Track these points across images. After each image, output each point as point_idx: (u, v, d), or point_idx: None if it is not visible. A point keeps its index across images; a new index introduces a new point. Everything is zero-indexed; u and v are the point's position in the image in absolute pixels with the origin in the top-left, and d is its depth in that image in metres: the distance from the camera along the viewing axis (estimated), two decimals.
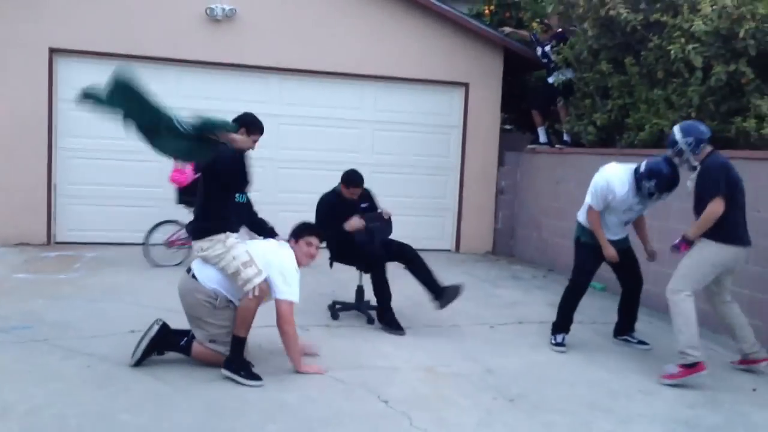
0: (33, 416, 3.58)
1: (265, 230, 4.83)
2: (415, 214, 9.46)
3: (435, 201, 9.71)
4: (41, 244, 8.33)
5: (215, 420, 3.67)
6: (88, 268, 7.26)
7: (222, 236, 4.25)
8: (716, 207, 4.51)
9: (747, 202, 4.75)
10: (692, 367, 4.52)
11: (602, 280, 7.53)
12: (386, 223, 5.77)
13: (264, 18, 8.83)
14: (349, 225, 5.54)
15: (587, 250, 5.29)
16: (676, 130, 4.76)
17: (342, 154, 8.93)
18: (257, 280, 4.17)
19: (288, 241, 4.56)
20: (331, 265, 5.92)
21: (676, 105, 6.98)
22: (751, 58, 6.35)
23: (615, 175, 5.08)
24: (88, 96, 3.99)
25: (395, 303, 5.62)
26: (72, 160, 8.54)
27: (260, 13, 8.82)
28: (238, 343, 4.23)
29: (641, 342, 5.55)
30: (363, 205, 5.85)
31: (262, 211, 6.10)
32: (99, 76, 8.41)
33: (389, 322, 5.47)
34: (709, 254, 4.64)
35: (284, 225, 6.00)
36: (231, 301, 4.33)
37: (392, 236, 5.84)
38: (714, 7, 6.51)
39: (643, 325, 6.10)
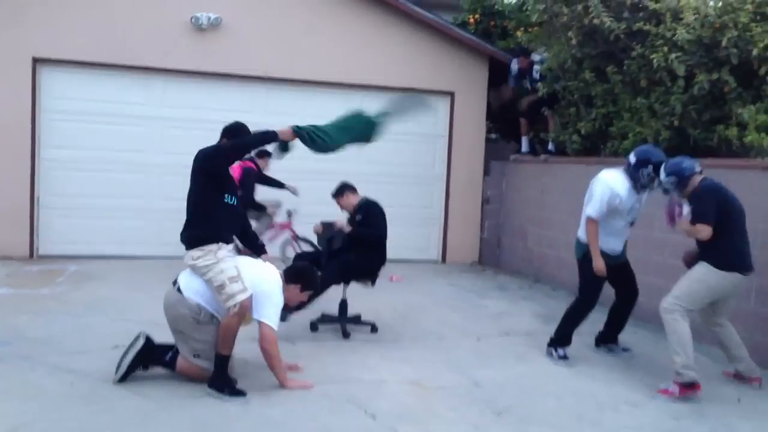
0: None
1: (255, 245, 4.79)
2: (401, 225, 9.42)
3: (421, 211, 9.70)
4: (23, 258, 8.24)
5: None
6: (71, 281, 7.18)
7: (214, 246, 4.21)
8: (701, 231, 4.53)
9: None
10: (689, 386, 4.50)
11: None
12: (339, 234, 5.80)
13: (250, 27, 8.81)
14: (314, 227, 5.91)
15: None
16: (662, 167, 4.78)
17: (328, 164, 8.86)
18: (240, 297, 4.13)
19: (287, 279, 4.47)
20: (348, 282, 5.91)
21: (659, 113, 7.04)
22: (733, 67, 6.42)
23: (614, 180, 5.12)
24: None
25: (381, 315, 5.59)
26: (55, 172, 8.46)
27: (246, 22, 8.81)
28: (221, 361, 4.18)
29: (625, 349, 5.61)
30: (357, 217, 5.85)
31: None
32: (83, 85, 8.52)
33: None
34: (707, 278, 4.59)
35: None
36: (215, 317, 4.30)
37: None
38: (696, 16, 6.58)
39: (628, 335, 6.12)
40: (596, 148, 8.17)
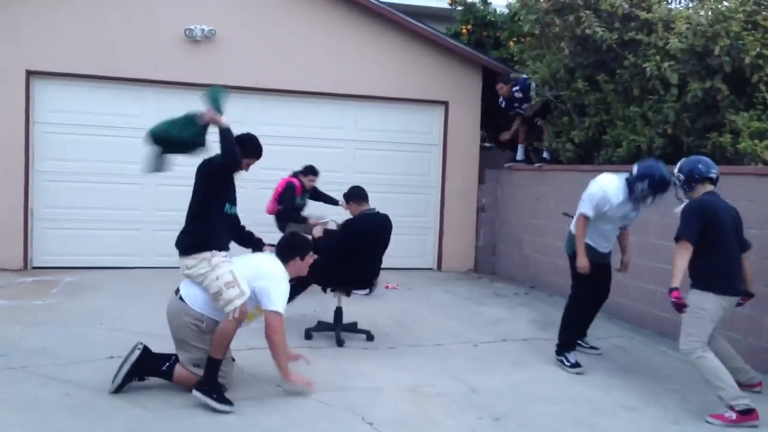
0: None
1: (252, 242, 4.79)
2: (397, 233, 9.35)
3: (416, 219, 9.71)
4: (18, 270, 8.20)
5: None
6: (65, 293, 7.15)
7: (208, 254, 4.20)
8: (680, 250, 4.37)
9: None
10: (747, 414, 4.21)
11: None
12: None
13: (243, 38, 8.84)
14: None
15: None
16: (679, 163, 4.67)
17: (323, 174, 8.90)
18: (238, 302, 4.12)
19: (283, 257, 4.48)
20: (324, 289, 5.92)
21: (653, 121, 7.08)
22: (725, 75, 6.47)
23: (610, 185, 5.13)
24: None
25: (378, 322, 5.58)
26: (49, 184, 8.44)
27: (239, 33, 8.83)
28: (213, 365, 4.14)
29: (593, 347, 5.68)
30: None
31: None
32: (77, 98, 8.51)
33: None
34: (702, 303, 4.41)
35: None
36: (219, 324, 4.28)
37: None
38: (688, 25, 6.63)
39: (624, 340, 6.15)
40: (590, 156, 8.21)
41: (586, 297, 5.34)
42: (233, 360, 4.56)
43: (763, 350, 5.30)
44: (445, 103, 9.71)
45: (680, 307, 4.33)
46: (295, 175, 7.76)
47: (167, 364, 4.32)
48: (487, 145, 10.99)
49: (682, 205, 4.56)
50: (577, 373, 5.13)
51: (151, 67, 8.55)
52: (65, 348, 5.16)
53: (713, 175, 4.54)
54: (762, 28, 6.47)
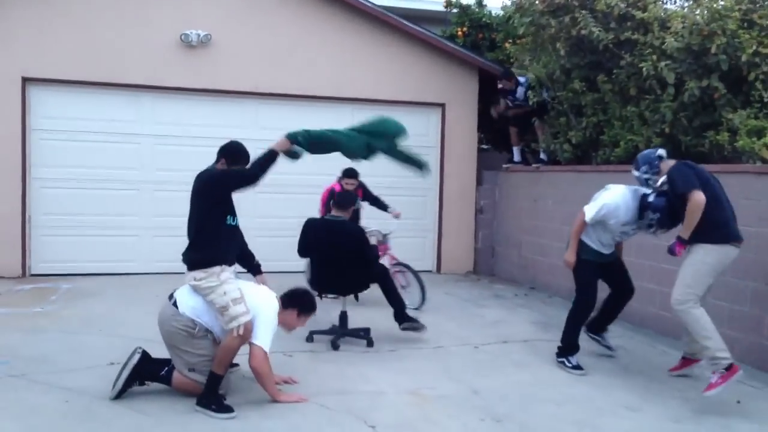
0: None
1: (251, 265, 4.79)
2: (396, 235, 9.42)
3: (415, 222, 9.70)
4: (16, 277, 8.17)
5: None
6: (64, 299, 7.12)
7: (218, 269, 4.17)
8: (696, 199, 4.48)
9: None
10: (729, 370, 4.38)
11: None
12: None
13: (239, 43, 8.84)
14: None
15: (587, 266, 5.27)
16: (634, 164, 4.99)
17: (321, 177, 8.88)
18: (244, 319, 4.11)
19: (283, 303, 4.46)
20: (320, 296, 5.84)
21: (650, 121, 7.08)
22: (722, 73, 6.48)
23: (624, 201, 5.09)
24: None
25: (378, 326, 5.57)
26: (46, 191, 8.42)
27: (236, 38, 8.83)
28: (214, 381, 4.14)
29: (609, 347, 5.64)
30: None
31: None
32: (73, 104, 8.50)
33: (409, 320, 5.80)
34: (705, 258, 4.56)
35: (261, 250, 5.96)
36: (210, 332, 4.27)
37: None
38: (684, 24, 6.64)
39: (625, 340, 6.14)
40: (588, 156, 8.21)
41: (590, 300, 5.30)
42: (236, 365, 4.54)
43: (763, 348, 5.29)
44: (442, 105, 9.72)
45: (675, 254, 4.65)
46: (340, 180, 7.34)
47: (166, 368, 4.31)
48: (484, 146, 10.99)
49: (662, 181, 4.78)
50: (580, 375, 5.11)
51: (147, 72, 8.54)
52: (65, 355, 5.14)
53: (662, 152, 4.88)
54: (758, 26, 6.49)
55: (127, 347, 4.59)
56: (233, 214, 4.39)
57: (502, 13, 11.18)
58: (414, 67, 9.51)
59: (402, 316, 5.79)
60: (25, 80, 8.26)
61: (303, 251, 5.89)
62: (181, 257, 4.29)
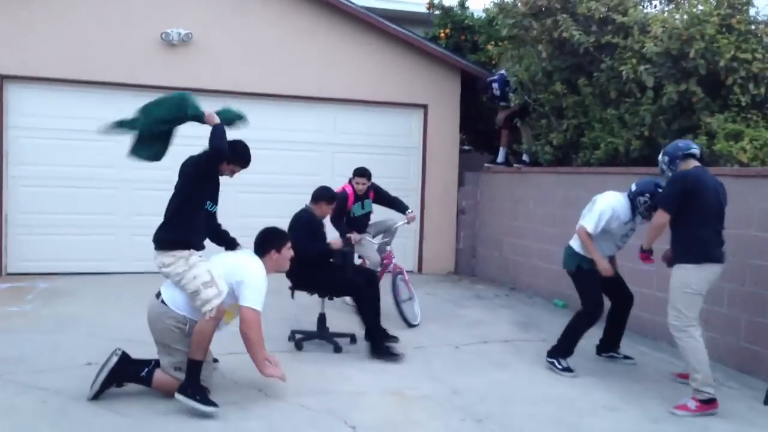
0: None
1: (227, 241, 4.75)
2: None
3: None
4: None
5: None
6: (41, 299, 7.02)
7: (186, 253, 4.16)
8: (658, 217, 4.63)
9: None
10: (708, 403, 4.40)
11: (564, 297, 7.63)
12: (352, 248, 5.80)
13: (220, 42, 8.78)
14: (334, 243, 5.65)
15: (592, 276, 5.27)
16: (663, 149, 4.94)
17: (302, 177, 8.89)
18: (216, 302, 4.08)
19: (260, 253, 4.45)
20: (292, 294, 5.82)
21: (629, 124, 7.16)
22: (700, 78, 6.56)
23: (618, 202, 5.20)
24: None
25: (360, 326, 5.55)
26: (24, 189, 8.29)
27: (217, 37, 8.77)
28: (194, 367, 4.10)
29: (627, 357, 5.61)
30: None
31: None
32: (51, 102, 8.39)
33: (381, 352, 5.39)
34: (687, 279, 4.52)
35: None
36: None
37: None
38: (664, 28, 6.72)
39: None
40: (568, 158, 8.27)
41: (598, 311, 5.27)
42: (216, 361, 4.51)
43: (740, 349, 5.36)
44: (424, 107, 9.73)
45: (646, 261, 4.88)
46: (351, 180, 6.83)
47: (146, 369, 4.26)
48: (466, 148, 11.03)
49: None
50: (571, 377, 5.12)
51: (127, 71, 8.45)
52: (42, 355, 5.07)
53: (694, 151, 4.73)
54: (736, 31, 6.58)
55: (105, 347, 4.54)
56: (214, 201, 4.42)
57: (484, 15, 11.25)
58: (396, 68, 9.52)
59: (374, 339, 5.47)
60: (3, 78, 8.13)
61: None
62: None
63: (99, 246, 8.57)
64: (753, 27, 6.74)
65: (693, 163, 4.69)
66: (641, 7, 7.94)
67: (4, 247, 8.22)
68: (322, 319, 5.78)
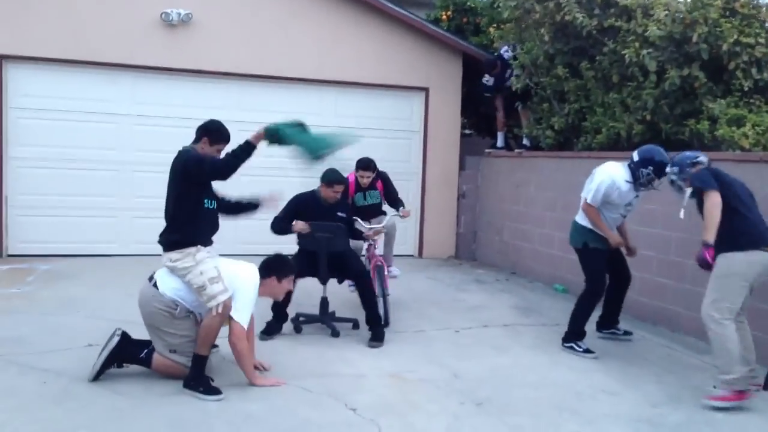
0: None
1: (243, 206, 4.68)
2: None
3: None
4: None
5: None
6: (41, 280, 7.03)
7: (193, 249, 4.15)
8: (712, 199, 4.25)
9: None
10: (741, 393, 4.24)
11: (564, 282, 7.65)
12: (338, 237, 5.46)
13: (221, 23, 8.72)
14: (295, 226, 5.41)
15: (598, 254, 5.30)
16: (670, 162, 4.77)
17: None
18: (222, 298, 4.09)
19: (264, 273, 4.44)
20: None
21: (632, 108, 7.12)
22: (703, 62, 6.52)
23: (617, 172, 5.18)
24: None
25: (360, 310, 5.55)
26: (23, 170, 8.27)
27: (217, 18, 8.71)
28: (199, 362, 4.13)
29: (626, 332, 5.72)
30: (339, 213, 5.66)
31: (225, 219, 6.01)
32: (51, 83, 8.34)
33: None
34: (731, 267, 4.27)
35: (245, 232, 5.92)
36: (192, 312, 4.25)
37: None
38: (667, 12, 6.67)
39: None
40: (569, 142, 8.24)
41: (601, 288, 5.34)
42: (217, 346, 4.52)
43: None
44: (426, 90, 9.68)
45: (708, 266, 4.27)
46: (356, 170, 6.55)
47: (146, 351, 4.28)
48: (467, 131, 10.98)
49: (686, 197, 4.49)
50: (593, 358, 5.17)
51: (126, 51, 8.40)
52: (42, 336, 5.08)
53: (702, 159, 4.58)
54: (739, 15, 6.53)
55: (105, 329, 4.55)
56: (211, 197, 4.34)
57: None
58: (398, 51, 9.46)
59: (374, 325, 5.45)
60: (2, 58, 8.08)
61: None
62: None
63: (99, 228, 8.56)
64: (756, 11, 6.68)
65: (702, 167, 4.54)
66: None
67: (5, 229, 8.21)
68: (324, 303, 5.75)
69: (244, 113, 8.73)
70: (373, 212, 6.71)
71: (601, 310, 5.72)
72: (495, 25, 10.35)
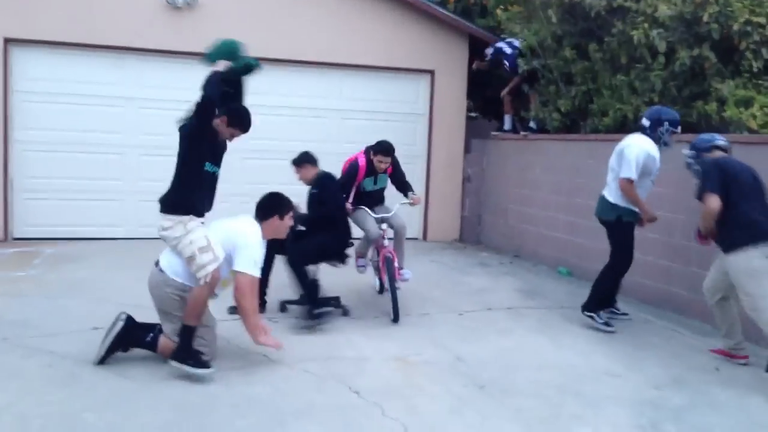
0: None
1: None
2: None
3: None
4: None
5: (183, 417, 3.59)
6: (47, 264, 7.07)
7: (185, 218, 4.17)
8: (709, 204, 4.41)
9: None
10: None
11: (569, 265, 7.63)
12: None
13: (226, 6, 8.66)
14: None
15: (629, 229, 5.42)
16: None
17: (309, 144, 8.69)
18: (210, 267, 4.08)
19: (261, 217, 4.42)
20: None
21: (639, 90, 7.05)
22: (713, 42, 6.43)
23: (647, 143, 5.26)
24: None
25: (364, 293, 5.56)
26: (29, 153, 8.28)
27: (223, 0, 8.65)
28: (187, 332, 4.11)
29: (624, 313, 5.79)
30: (313, 191, 5.64)
31: (229, 201, 6.01)
32: (56, 66, 8.33)
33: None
34: (750, 263, 4.36)
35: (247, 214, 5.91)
36: None
37: None
38: None
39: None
40: (576, 125, 8.18)
41: (629, 262, 5.43)
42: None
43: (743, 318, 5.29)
44: (431, 72, 9.62)
45: (703, 242, 4.75)
46: (367, 151, 6.14)
47: (151, 334, 4.29)
48: (472, 114, 10.91)
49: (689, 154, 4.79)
50: (611, 332, 5.35)
51: (131, 34, 8.37)
52: (48, 319, 5.12)
53: (720, 143, 4.72)
54: None
55: (111, 312, 4.55)
56: (214, 161, 4.35)
57: None
58: (403, 33, 9.39)
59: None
60: (7, 41, 8.07)
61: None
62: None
63: (105, 211, 8.59)
64: None
65: (719, 154, 4.67)
66: None
67: (10, 212, 8.25)
68: (313, 285, 5.45)
69: (250, 97, 8.63)
70: (378, 197, 6.31)
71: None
72: (502, 7, 10.25)
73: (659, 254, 6.23)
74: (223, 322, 4.69)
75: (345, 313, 5.64)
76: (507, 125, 9.41)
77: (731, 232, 4.44)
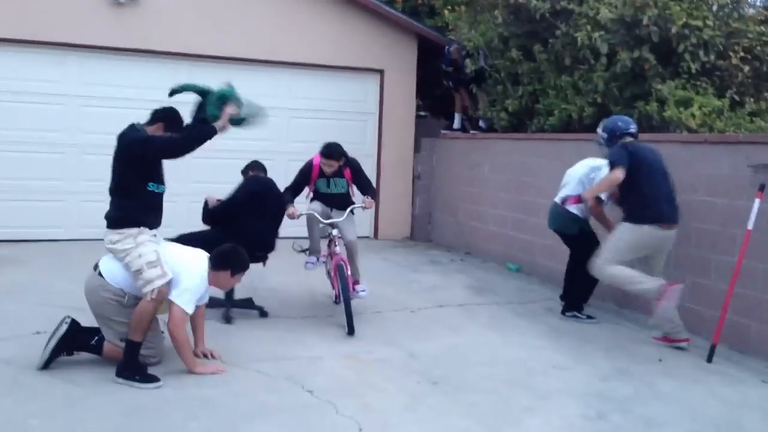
0: None
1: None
2: None
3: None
4: None
5: (134, 421, 3.52)
6: None
7: (135, 231, 4.07)
8: (614, 173, 4.85)
9: None
10: (663, 294, 4.84)
11: (517, 261, 7.77)
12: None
13: (171, 2, 8.50)
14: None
15: (593, 236, 5.69)
16: (602, 123, 5.39)
17: (257, 143, 8.74)
18: (158, 283, 4.00)
19: (215, 264, 4.30)
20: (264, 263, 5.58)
21: (583, 91, 7.24)
22: (653, 45, 6.65)
23: (598, 162, 5.55)
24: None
25: (316, 292, 5.54)
26: None
27: None
28: (132, 348, 4.01)
29: (590, 316, 5.87)
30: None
31: (174, 202, 5.89)
32: None
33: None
34: (625, 235, 4.96)
35: (195, 216, 5.78)
36: (139, 299, 4.16)
37: None
38: None
39: (554, 303, 6.28)
40: (523, 124, 8.34)
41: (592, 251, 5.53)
42: (162, 333, 4.43)
43: (692, 312, 5.37)
44: (381, 72, 9.65)
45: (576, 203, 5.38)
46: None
47: (96, 338, 4.18)
48: (422, 113, 11.00)
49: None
50: (595, 323, 5.66)
51: (72, 30, 8.12)
52: None
53: (633, 130, 5.14)
54: None
55: (53, 316, 4.43)
56: (158, 181, 4.24)
57: None
58: (353, 32, 9.39)
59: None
60: None
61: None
62: None
63: (46, 212, 8.32)
64: None
65: (629, 140, 5.10)
66: None
67: None
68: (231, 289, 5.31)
69: (194, 95, 8.54)
70: (338, 202, 5.90)
71: (563, 291, 5.97)
72: (450, 8, 10.37)
73: None
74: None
75: (262, 314, 5.52)
76: (456, 124, 9.52)
77: (629, 206, 4.99)
